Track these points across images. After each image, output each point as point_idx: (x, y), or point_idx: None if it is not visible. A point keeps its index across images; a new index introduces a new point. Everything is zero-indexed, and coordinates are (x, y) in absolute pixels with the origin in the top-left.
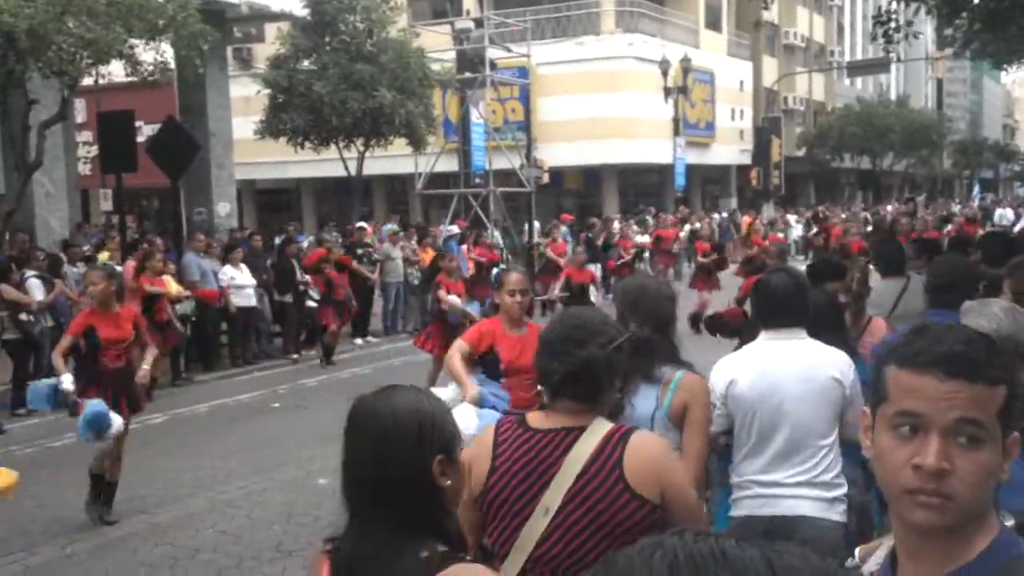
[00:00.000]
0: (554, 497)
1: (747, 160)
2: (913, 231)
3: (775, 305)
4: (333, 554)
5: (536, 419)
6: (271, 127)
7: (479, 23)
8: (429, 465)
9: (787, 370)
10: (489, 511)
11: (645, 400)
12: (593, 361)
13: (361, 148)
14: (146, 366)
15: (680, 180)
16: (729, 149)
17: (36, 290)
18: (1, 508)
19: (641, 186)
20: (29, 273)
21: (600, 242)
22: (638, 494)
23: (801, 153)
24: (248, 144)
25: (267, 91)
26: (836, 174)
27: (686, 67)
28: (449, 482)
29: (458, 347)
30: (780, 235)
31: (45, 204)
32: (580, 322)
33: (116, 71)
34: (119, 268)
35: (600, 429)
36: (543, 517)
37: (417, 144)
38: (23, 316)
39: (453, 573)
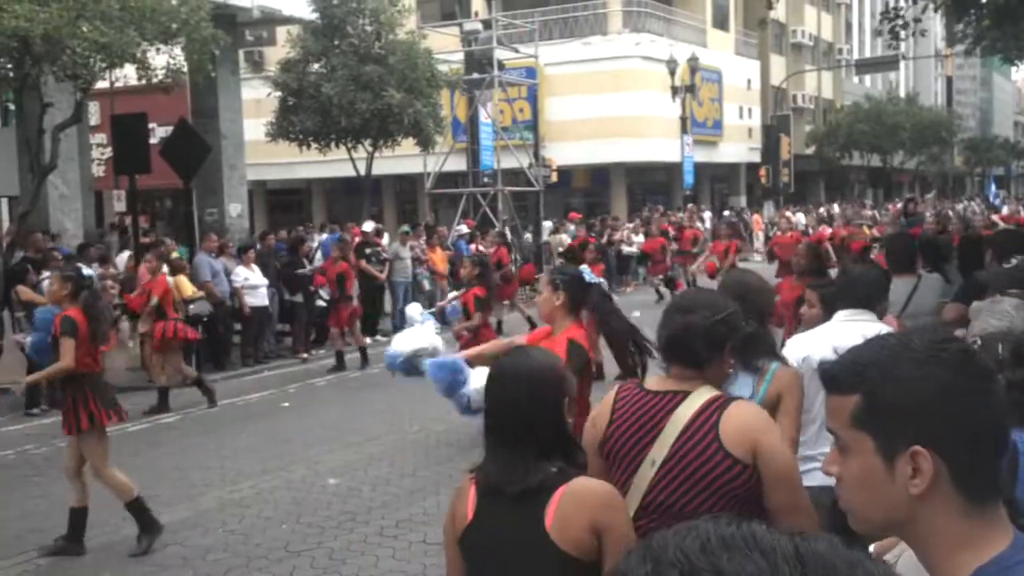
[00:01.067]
0: (660, 451)
1: (756, 158)
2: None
3: (855, 289)
4: (478, 477)
5: (652, 383)
6: (281, 129)
7: (487, 25)
8: (563, 405)
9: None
10: (608, 460)
11: (742, 388)
12: (691, 327)
13: (370, 148)
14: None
15: (688, 179)
16: (737, 147)
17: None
18: (14, 506)
19: (649, 185)
20: (46, 274)
21: (604, 240)
22: (731, 454)
23: (811, 151)
24: (259, 145)
25: (277, 93)
26: (846, 172)
27: (693, 66)
28: (571, 419)
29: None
30: (782, 234)
31: (59, 205)
32: (692, 296)
33: (129, 74)
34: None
35: (704, 394)
36: (650, 468)
37: (425, 144)
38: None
39: (578, 482)
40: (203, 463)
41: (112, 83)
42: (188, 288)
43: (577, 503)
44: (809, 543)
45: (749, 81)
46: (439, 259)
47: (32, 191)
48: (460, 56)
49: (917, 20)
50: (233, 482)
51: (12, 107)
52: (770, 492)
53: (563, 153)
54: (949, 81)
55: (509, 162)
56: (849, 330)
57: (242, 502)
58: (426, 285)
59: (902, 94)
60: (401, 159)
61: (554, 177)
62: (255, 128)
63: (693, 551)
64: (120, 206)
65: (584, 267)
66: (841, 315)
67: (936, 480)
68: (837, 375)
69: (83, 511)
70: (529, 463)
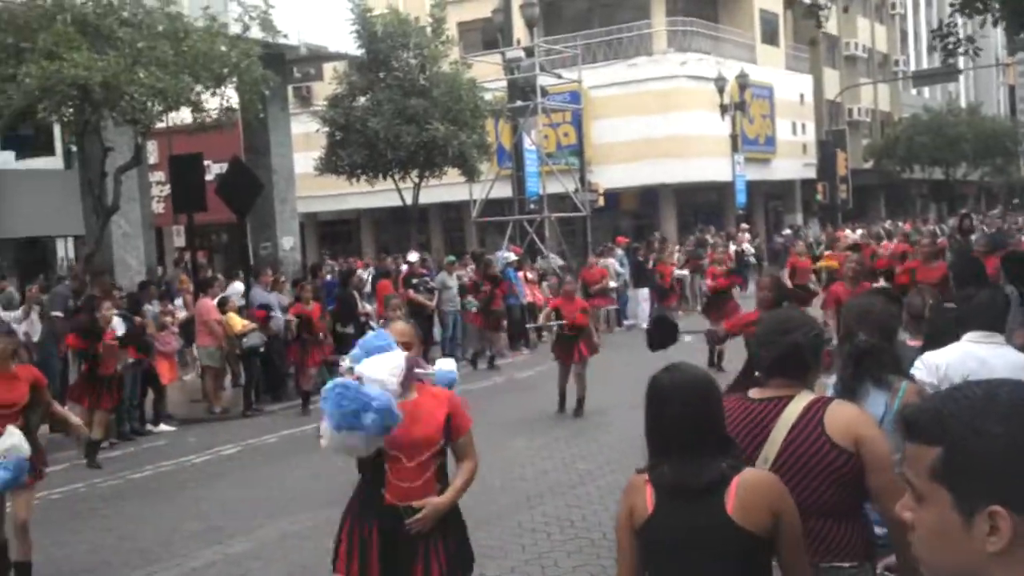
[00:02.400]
0: (771, 449)
1: (811, 174)
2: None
3: (984, 313)
4: (654, 477)
5: (754, 393)
6: (330, 163)
7: (529, 52)
8: (722, 409)
9: (992, 369)
10: None
11: (875, 403)
12: (799, 346)
13: (416, 179)
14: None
15: (741, 197)
16: (792, 164)
17: (118, 327)
18: (86, 539)
19: (700, 205)
20: (110, 310)
21: (651, 266)
22: (836, 444)
23: (869, 165)
24: (309, 178)
25: (326, 129)
26: (907, 186)
27: (743, 83)
28: None
29: None
30: (831, 252)
31: (123, 244)
32: (784, 316)
33: (184, 115)
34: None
35: (806, 397)
36: (763, 465)
37: (470, 174)
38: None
39: (750, 472)
40: (265, 494)
41: (168, 123)
42: (238, 323)
43: (754, 491)
44: None
45: (802, 96)
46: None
47: (96, 232)
48: (503, 83)
49: (971, 39)
50: (294, 513)
51: (75, 150)
52: (871, 475)
53: (610, 176)
54: (1012, 90)
55: (555, 187)
56: (981, 351)
57: (302, 533)
58: (472, 311)
59: (963, 104)
60: (447, 187)
61: (601, 201)
62: (305, 161)
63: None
64: (179, 241)
65: None
66: (970, 337)
67: (1014, 539)
68: (919, 424)
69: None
70: (705, 461)
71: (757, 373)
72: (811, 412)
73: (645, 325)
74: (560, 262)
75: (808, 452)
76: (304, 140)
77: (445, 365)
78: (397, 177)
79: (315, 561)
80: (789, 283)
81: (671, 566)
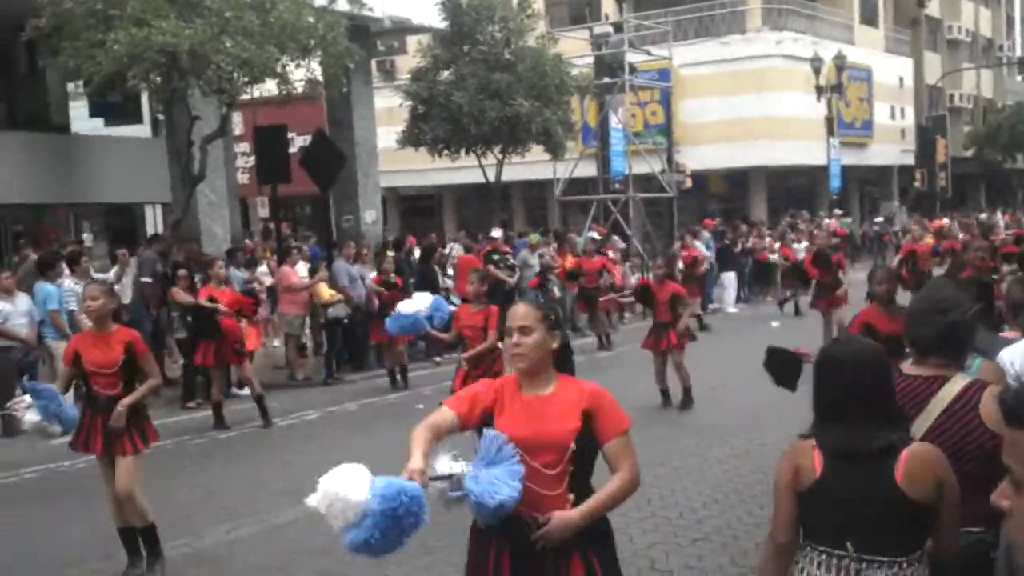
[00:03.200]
0: (922, 425)
1: (909, 160)
2: None
3: None
4: (823, 442)
5: (908, 368)
6: (412, 137)
7: (618, 27)
8: (893, 380)
9: None
10: None
11: None
12: (957, 325)
13: (499, 155)
14: (126, 401)
15: (835, 182)
16: (889, 149)
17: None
18: (172, 495)
19: (791, 189)
20: (198, 278)
21: (738, 250)
22: (989, 429)
23: (969, 153)
24: (392, 153)
25: (409, 103)
26: (1008, 176)
27: (840, 64)
28: None
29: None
30: (915, 242)
31: (209, 213)
32: (940, 295)
33: (270, 86)
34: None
35: (963, 380)
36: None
37: (555, 151)
38: (190, 318)
39: (919, 446)
40: (346, 458)
41: (253, 94)
42: (326, 292)
43: (923, 462)
44: None
45: (901, 79)
46: (568, 266)
47: (183, 200)
48: (590, 59)
49: None
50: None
51: (162, 118)
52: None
53: (698, 157)
54: None
55: (641, 167)
56: None
57: None
58: (556, 292)
59: None
60: (531, 165)
61: (688, 183)
62: (387, 135)
63: None
64: (264, 212)
65: None
66: None
67: None
68: (1016, 408)
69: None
70: (878, 430)
71: (908, 348)
72: (968, 394)
73: (731, 309)
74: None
75: (960, 432)
76: (387, 114)
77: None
78: (479, 153)
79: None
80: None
81: (834, 528)
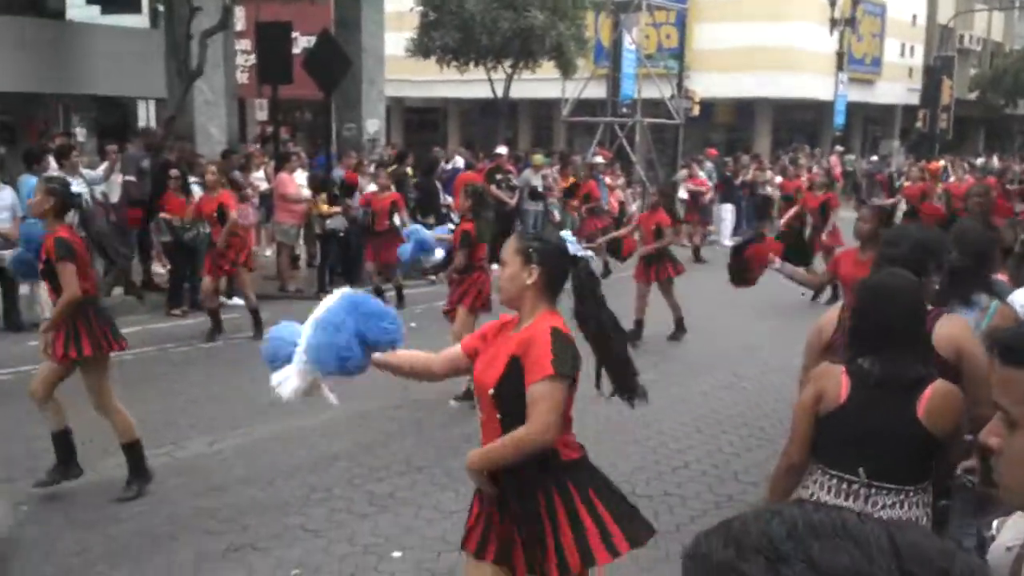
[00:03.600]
0: None
1: (915, 100)
2: None
3: None
4: (853, 369)
5: None
6: (421, 45)
7: None
8: (926, 315)
9: None
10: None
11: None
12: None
13: (509, 70)
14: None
15: (839, 118)
16: (896, 88)
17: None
18: (154, 402)
19: (796, 123)
20: (193, 180)
21: (738, 182)
22: (939, 354)
23: (973, 96)
24: (399, 61)
25: (420, 8)
26: (1008, 122)
27: None
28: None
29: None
30: (912, 184)
31: (205, 111)
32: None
33: None
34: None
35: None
36: None
37: (566, 68)
38: (176, 222)
39: (942, 383)
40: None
41: None
42: (325, 206)
43: (945, 399)
44: (904, 533)
45: (915, 17)
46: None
47: (179, 96)
48: None
49: None
50: (361, 396)
51: (162, 9)
52: (969, 386)
53: (707, 84)
54: None
55: (650, 92)
56: None
57: (367, 416)
58: (556, 215)
59: None
60: (540, 83)
61: (696, 110)
62: (396, 42)
63: (779, 537)
64: (262, 115)
65: (567, 234)
66: None
67: None
68: (1017, 348)
69: (65, 433)
70: (908, 362)
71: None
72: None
73: (727, 242)
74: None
75: None
76: (396, 19)
77: None
78: (489, 66)
79: (375, 440)
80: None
81: (848, 453)
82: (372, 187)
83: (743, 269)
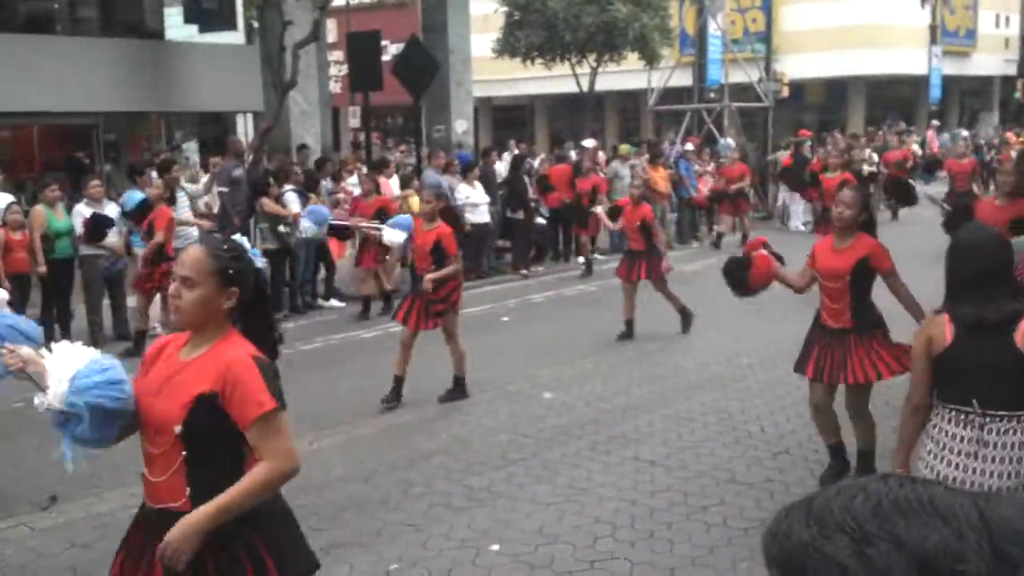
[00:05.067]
0: None
1: (1012, 71)
2: None
3: None
4: (955, 313)
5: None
6: (507, 45)
7: None
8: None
9: None
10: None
11: None
12: None
13: (594, 64)
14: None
15: (935, 92)
16: (992, 59)
17: (293, 204)
18: None
19: (890, 100)
20: (287, 187)
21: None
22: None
23: None
24: (485, 62)
25: (504, 8)
26: None
27: None
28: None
29: None
30: (956, 159)
31: (300, 121)
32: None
33: None
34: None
35: None
36: None
37: (650, 58)
38: (281, 228)
39: None
40: (430, 372)
41: (348, 0)
42: (417, 204)
43: None
44: (994, 506)
45: None
46: (660, 178)
47: (275, 107)
48: None
49: None
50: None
51: (256, 24)
52: None
53: (796, 66)
54: None
55: (737, 76)
56: None
57: (463, 410)
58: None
59: None
60: (625, 75)
61: (785, 92)
62: (482, 44)
63: (864, 515)
64: (355, 122)
65: (243, 239)
66: None
67: None
68: None
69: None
70: (1002, 301)
71: None
72: None
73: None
74: (732, 144)
75: None
76: (482, 21)
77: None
78: (574, 61)
79: (471, 434)
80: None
81: (962, 388)
82: (462, 185)
83: (741, 281)
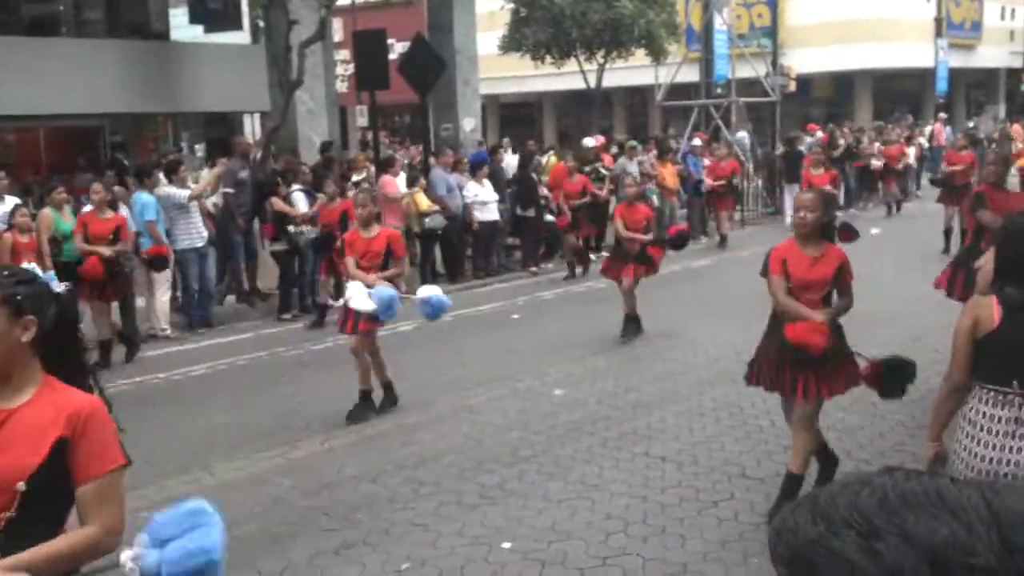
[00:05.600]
0: None
1: (1018, 63)
2: None
3: None
4: (1002, 297)
5: None
6: (513, 42)
7: None
8: None
9: None
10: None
11: None
12: None
13: (601, 60)
14: None
15: (942, 85)
16: (998, 51)
17: (300, 203)
18: (267, 405)
19: (897, 93)
20: (295, 187)
21: (837, 154)
22: None
23: None
24: (492, 59)
25: (510, 6)
26: None
27: None
28: None
29: None
30: (957, 151)
31: (307, 121)
32: None
33: None
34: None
35: None
36: None
37: (657, 54)
38: (290, 227)
39: None
40: (440, 370)
41: (353, 1)
42: (423, 203)
43: None
44: (1001, 498)
45: None
46: (669, 174)
47: (282, 107)
48: None
49: None
50: (466, 389)
51: (261, 25)
52: None
53: (803, 60)
54: None
55: (744, 71)
56: None
57: (473, 408)
58: (655, 201)
59: None
60: (632, 71)
61: (792, 86)
62: (488, 42)
63: (870, 509)
64: (362, 121)
65: (33, 266)
66: None
67: None
68: None
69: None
70: None
71: None
72: None
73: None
74: (746, 137)
75: None
76: (488, 19)
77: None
78: (582, 58)
79: (482, 432)
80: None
81: (1003, 369)
82: (470, 183)
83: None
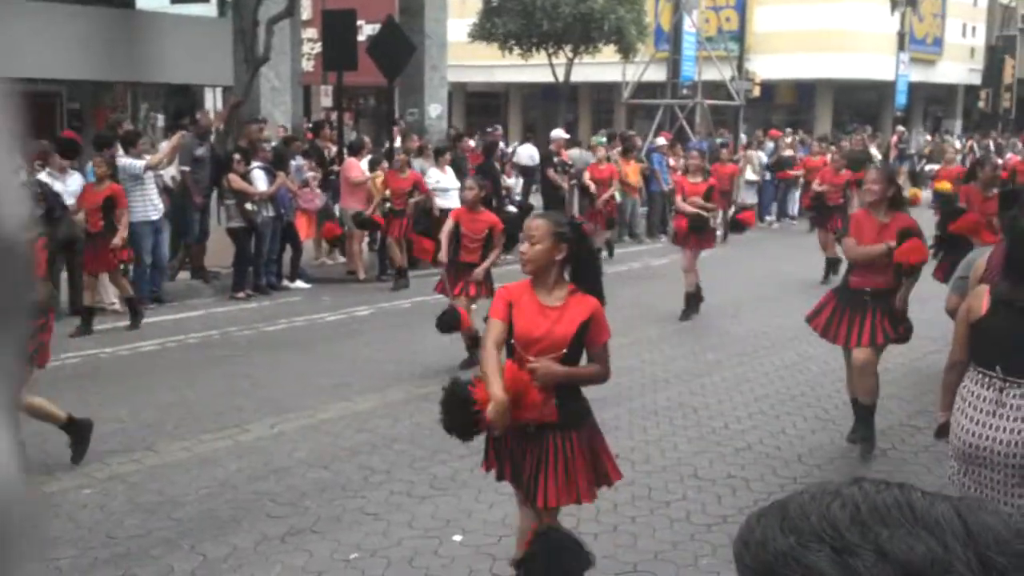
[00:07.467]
0: None
1: (976, 80)
2: None
3: None
4: (993, 291)
5: None
6: (483, 31)
7: None
8: None
9: None
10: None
11: None
12: None
13: (570, 54)
14: None
15: (901, 99)
16: (957, 67)
17: (260, 181)
18: (217, 385)
19: (857, 104)
20: (254, 164)
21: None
22: None
23: None
24: (461, 47)
25: None
26: None
27: None
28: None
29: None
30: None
31: (271, 98)
32: None
33: None
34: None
35: None
36: None
37: (626, 51)
38: (248, 205)
39: None
40: (395, 356)
41: None
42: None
43: None
44: (974, 513)
45: None
46: (632, 171)
47: (246, 82)
48: None
49: None
50: (421, 377)
51: None
52: None
53: (768, 67)
54: None
55: (711, 74)
56: None
57: (429, 396)
58: (617, 197)
59: None
60: (600, 67)
61: (756, 91)
62: (458, 29)
63: (843, 523)
64: (327, 101)
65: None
66: None
67: None
68: None
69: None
70: None
71: None
72: None
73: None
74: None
75: None
76: (459, 6)
77: None
78: (551, 51)
79: (436, 422)
80: None
81: (988, 354)
82: (433, 169)
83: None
